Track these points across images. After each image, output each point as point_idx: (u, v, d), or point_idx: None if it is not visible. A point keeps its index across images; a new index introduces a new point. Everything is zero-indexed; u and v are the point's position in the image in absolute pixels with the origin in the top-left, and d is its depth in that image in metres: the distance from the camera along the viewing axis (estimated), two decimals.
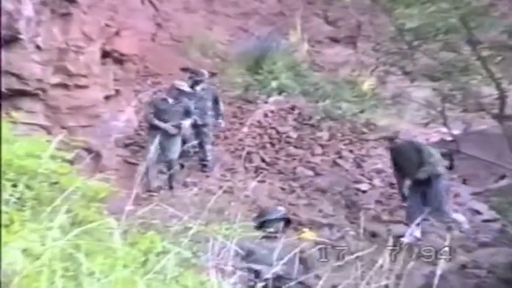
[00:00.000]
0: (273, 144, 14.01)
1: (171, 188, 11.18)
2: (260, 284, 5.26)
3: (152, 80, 14.59)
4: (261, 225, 6.80)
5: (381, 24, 14.91)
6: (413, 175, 10.44)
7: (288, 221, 7.40)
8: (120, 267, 3.10)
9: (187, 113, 11.88)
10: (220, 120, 12.65)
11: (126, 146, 12.70)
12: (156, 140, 8.32)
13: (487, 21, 11.30)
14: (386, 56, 13.73)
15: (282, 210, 7.58)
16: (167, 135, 11.26)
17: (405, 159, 10.72)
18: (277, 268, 4.18)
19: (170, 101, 11.67)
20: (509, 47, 12.10)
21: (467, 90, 12.32)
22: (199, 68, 14.31)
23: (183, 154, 11.54)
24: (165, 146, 10.88)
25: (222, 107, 12.67)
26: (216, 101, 12.28)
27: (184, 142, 11.69)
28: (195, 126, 11.89)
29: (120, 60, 13.57)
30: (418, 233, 10.22)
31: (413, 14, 11.75)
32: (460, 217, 10.78)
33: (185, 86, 12.02)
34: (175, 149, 11.33)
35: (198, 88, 12.69)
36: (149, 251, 3.68)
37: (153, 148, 9.84)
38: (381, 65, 14.19)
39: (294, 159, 13.47)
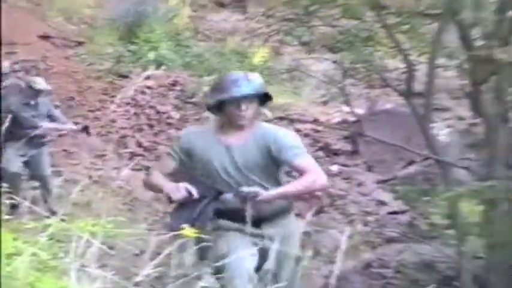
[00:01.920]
0: (151, 126, 13.29)
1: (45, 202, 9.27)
2: None
3: (6, 50, 12.65)
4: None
5: None
6: None
7: None
8: None
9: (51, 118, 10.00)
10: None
11: None
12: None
13: None
14: (280, 23, 12.05)
15: None
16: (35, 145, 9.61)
17: None
18: (149, 269, 3.60)
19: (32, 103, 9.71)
20: (418, 13, 11.50)
21: (371, 63, 10.74)
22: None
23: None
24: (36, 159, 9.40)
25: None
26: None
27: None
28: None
29: None
30: None
31: None
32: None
33: (43, 84, 9.75)
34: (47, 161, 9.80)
35: None
36: None
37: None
38: (274, 34, 12.70)
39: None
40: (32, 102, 9.24)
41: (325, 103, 14.10)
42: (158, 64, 14.29)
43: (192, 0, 15.99)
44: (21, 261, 3.26)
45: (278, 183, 4.42)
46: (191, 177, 4.44)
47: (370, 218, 10.89)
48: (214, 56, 14.58)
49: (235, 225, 4.46)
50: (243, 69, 12.75)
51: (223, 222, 4.48)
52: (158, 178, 4.53)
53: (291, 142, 4.46)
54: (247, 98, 4.33)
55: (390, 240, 10.28)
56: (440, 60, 10.23)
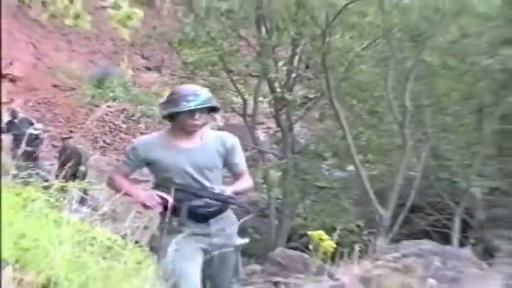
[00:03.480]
0: (111, 132, 17.00)
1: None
2: None
3: (34, 93, 16.14)
4: None
5: (175, 58, 18.28)
6: None
7: None
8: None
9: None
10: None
11: None
12: None
13: (235, 59, 16.36)
14: (179, 78, 18.32)
15: None
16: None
17: None
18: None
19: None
20: (249, 73, 16.85)
21: (225, 100, 16.10)
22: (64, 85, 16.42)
23: None
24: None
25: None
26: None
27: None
28: None
29: (13, 80, 16.25)
30: None
31: (193, 53, 16.40)
32: None
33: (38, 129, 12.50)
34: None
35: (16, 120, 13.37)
36: (28, 199, 5.09)
37: None
38: (175, 83, 17.69)
39: (124, 141, 16.72)
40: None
41: None
42: (114, 99, 17.34)
43: (133, 66, 18.93)
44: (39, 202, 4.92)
45: (220, 182, 4.84)
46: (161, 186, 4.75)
47: None
48: (143, 95, 17.77)
49: (190, 225, 4.73)
50: (156, 103, 17.19)
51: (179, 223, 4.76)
52: (125, 184, 4.93)
53: (239, 148, 4.92)
54: (195, 110, 4.61)
55: None
56: (260, 98, 16.55)
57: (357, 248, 10.85)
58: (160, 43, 18.06)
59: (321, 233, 8.47)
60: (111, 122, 16.87)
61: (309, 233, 7.57)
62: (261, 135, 17.44)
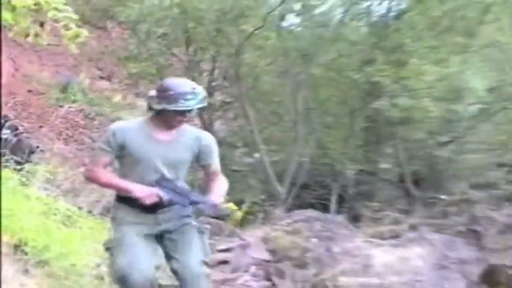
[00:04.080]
0: (72, 127, 16.27)
1: None
2: None
3: (12, 96, 15.47)
4: None
5: (123, 70, 18.14)
6: None
7: None
8: None
9: None
10: None
11: None
12: None
13: (169, 71, 15.43)
14: (125, 85, 18.56)
15: None
16: None
17: None
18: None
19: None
20: None
21: None
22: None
23: None
24: None
25: None
26: None
27: None
28: None
29: None
30: None
31: (136, 66, 16.01)
32: None
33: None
34: None
35: None
36: (5, 178, 5.63)
37: None
38: (122, 89, 18.49)
39: (82, 134, 16.22)
40: None
41: None
42: (74, 101, 16.52)
43: (90, 76, 18.45)
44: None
45: (185, 178, 4.08)
46: (158, 181, 3.91)
47: None
48: (97, 99, 17.40)
49: (140, 218, 3.99)
50: (107, 104, 17.36)
51: (129, 215, 4.01)
52: (111, 177, 4.02)
53: (215, 148, 4.16)
54: (192, 110, 3.87)
55: None
56: None
57: (260, 216, 12.27)
58: (111, 58, 18.12)
59: (232, 205, 9.53)
60: (72, 119, 16.55)
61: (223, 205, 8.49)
62: None
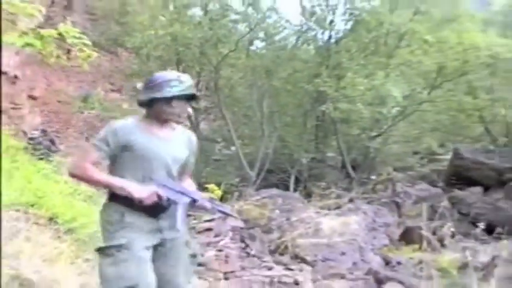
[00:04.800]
0: (91, 128, 15.25)
1: None
2: None
3: (46, 106, 15.15)
4: None
5: (130, 85, 17.03)
6: None
7: None
8: None
9: None
10: None
11: None
12: None
13: None
14: (131, 96, 16.96)
15: None
16: None
17: None
18: None
19: None
20: None
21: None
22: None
23: None
24: None
25: None
26: None
27: None
28: None
29: (34, 98, 14.59)
30: None
31: (140, 81, 14.22)
32: None
33: None
34: None
35: None
36: (40, 167, 5.64)
37: None
38: (128, 99, 16.96)
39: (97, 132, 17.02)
40: None
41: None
42: (93, 108, 16.28)
43: (104, 89, 17.57)
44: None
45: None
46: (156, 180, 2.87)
47: None
48: (110, 107, 16.71)
49: (143, 223, 2.89)
50: (118, 111, 15.88)
51: (135, 221, 2.88)
52: (103, 174, 2.92)
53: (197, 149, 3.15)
54: (179, 98, 2.91)
55: None
56: None
57: (235, 194, 12.25)
58: (120, 75, 17.98)
59: (213, 185, 9.38)
60: (90, 122, 16.09)
61: (207, 186, 8.88)
62: None
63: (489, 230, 8.85)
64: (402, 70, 14.27)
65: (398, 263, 7.46)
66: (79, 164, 2.94)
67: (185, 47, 14.68)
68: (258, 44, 15.97)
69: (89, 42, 5.94)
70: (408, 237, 8.85)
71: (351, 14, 14.51)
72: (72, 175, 3.00)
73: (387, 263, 7.61)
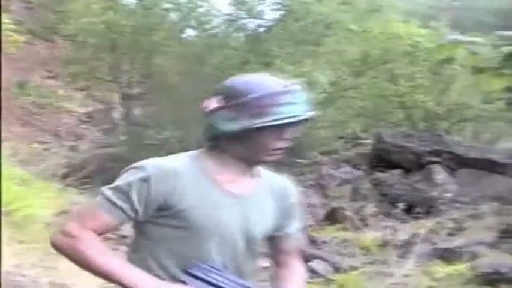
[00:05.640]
0: (27, 114, 14.35)
1: None
2: None
3: None
4: None
5: (65, 71, 15.68)
6: None
7: None
8: None
9: None
10: None
11: None
12: None
13: None
14: (66, 82, 16.19)
15: None
16: None
17: None
18: None
19: None
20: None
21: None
22: None
23: None
24: None
25: None
26: None
27: None
28: None
29: None
30: None
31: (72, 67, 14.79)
32: None
33: None
34: None
35: None
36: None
37: None
38: (64, 85, 16.24)
39: (34, 119, 14.28)
40: None
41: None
42: (29, 95, 14.98)
43: (41, 76, 16.43)
44: None
45: None
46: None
47: None
48: (46, 93, 15.61)
49: None
50: (53, 96, 15.25)
51: None
52: (109, 255, 1.46)
53: (298, 207, 1.78)
54: (294, 124, 1.54)
55: None
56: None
57: None
58: (56, 62, 16.55)
59: None
60: (27, 108, 14.90)
61: None
62: (115, 114, 15.97)
63: (408, 210, 8.85)
64: (329, 58, 13.92)
65: (323, 241, 7.54)
66: (74, 230, 1.49)
67: (119, 35, 14.02)
68: (190, 32, 15.53)
69: (12, 26, 5.23)
70: (332, 217, 8.84)
71: (279, 3, 14.13)
72: (56, 247, 1.52)
73: (313, 241, 7.56)
